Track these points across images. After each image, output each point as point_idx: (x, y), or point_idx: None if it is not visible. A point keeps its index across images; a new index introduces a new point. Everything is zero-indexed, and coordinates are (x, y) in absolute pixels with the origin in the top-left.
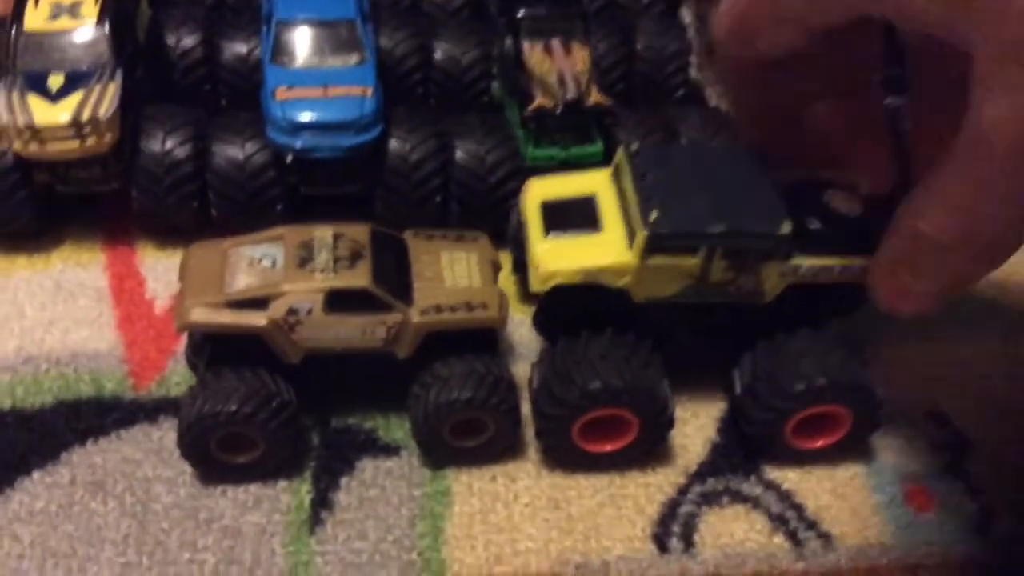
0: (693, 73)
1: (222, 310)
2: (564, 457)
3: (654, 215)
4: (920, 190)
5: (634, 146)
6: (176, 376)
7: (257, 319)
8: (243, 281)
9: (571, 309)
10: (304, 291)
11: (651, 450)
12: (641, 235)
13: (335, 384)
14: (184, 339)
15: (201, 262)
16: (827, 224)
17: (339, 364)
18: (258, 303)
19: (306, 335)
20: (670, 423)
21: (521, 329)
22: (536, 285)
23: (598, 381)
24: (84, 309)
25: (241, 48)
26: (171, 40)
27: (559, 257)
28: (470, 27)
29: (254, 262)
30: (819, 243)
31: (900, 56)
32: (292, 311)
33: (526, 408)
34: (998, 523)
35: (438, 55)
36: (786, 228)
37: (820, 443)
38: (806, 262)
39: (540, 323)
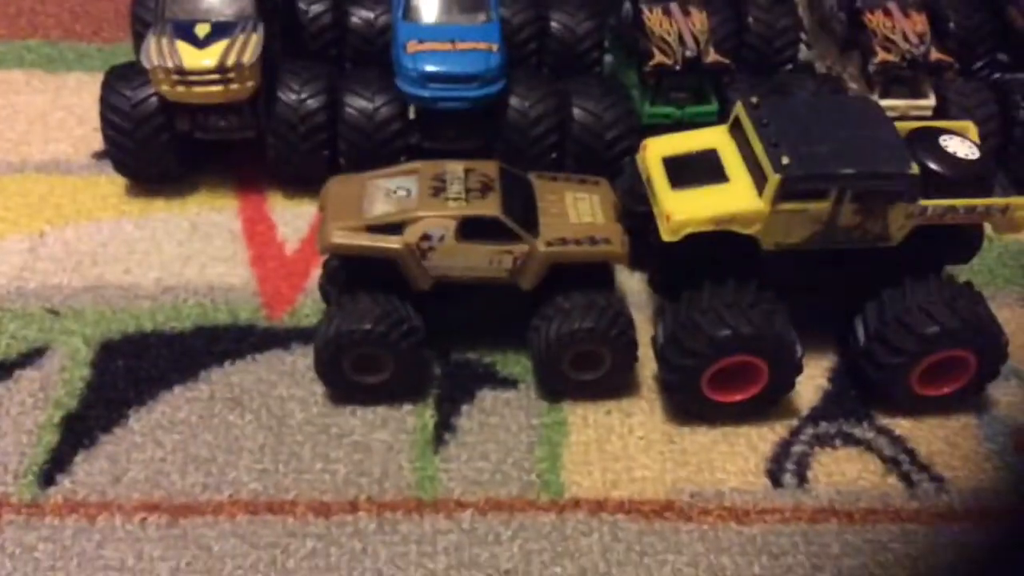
0: (803, 51)
1: (361, 234)
2: (693, 408)
3: (785, 159)
4: None
5: (754, 99)
6: (306, 309)
7: (393, 243)
8: (381, 208)
9: (695, 261)
10: (438, 218)
11: (777, 398)
12: (774, 179)
13: (454, 320)
14: (313, 278)
15: (341, 192)
16: (948, 167)
17: (460, 299)
18: (394, 228)
19: (437, 262)
20: (798, 368)
21: (629, 281)
22: (667, 235)
23: (727, 329)
24: (219, 248)
25: (369, 14)
26: (303, 4)
27: (689, 207)
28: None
29: (390, 192)
30: (942, 185)
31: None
32: (426, 236)
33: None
34: None
35: (554, 25)
36: (914, 168)
37: (946, 389)
38: (932, 203)
39: (659, 280)
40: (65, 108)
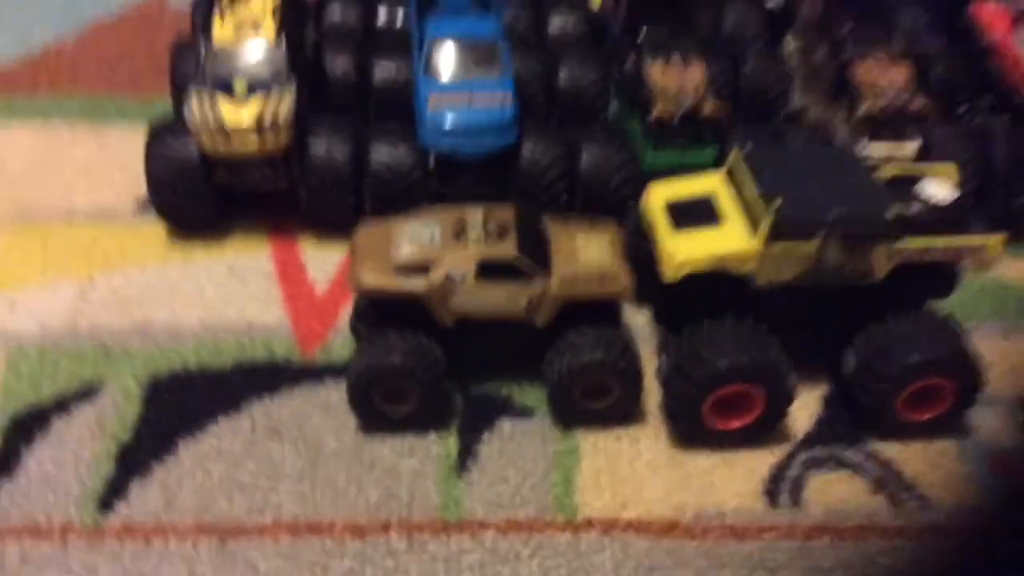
0: (795, 99)
1: (389, 275)
2: (695, 435)
3: (777, 203)
4: None
5: (747, 148)
6: (337, 346)
7: (419, 283)
8: (406, 251)
9: (696, 298)
10: (459, 260)
11: (774, 425)
12: (767, 221)
13: (475, 355)
14: (342, 316)
15: (370, 236)
16: (925, 210)
17: (480, 336)
18: (420, 270)
19: (459, 300)
20: (792, 395)
21: (635, 316)
22: (670, 274)
23: (726, 359)
24: (254, 290)
25: (391, 70)
26: (329, 63)
27: (689, 248)
28: (590, 54)
29: (415, 236)
30: (921, 226)
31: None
32: (449, 277)
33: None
34: None
35: (561, 78)
36: (893, 212)
37: (927, 415)
38: (911, 243)
39: (662, 316)
40: (108, 158)
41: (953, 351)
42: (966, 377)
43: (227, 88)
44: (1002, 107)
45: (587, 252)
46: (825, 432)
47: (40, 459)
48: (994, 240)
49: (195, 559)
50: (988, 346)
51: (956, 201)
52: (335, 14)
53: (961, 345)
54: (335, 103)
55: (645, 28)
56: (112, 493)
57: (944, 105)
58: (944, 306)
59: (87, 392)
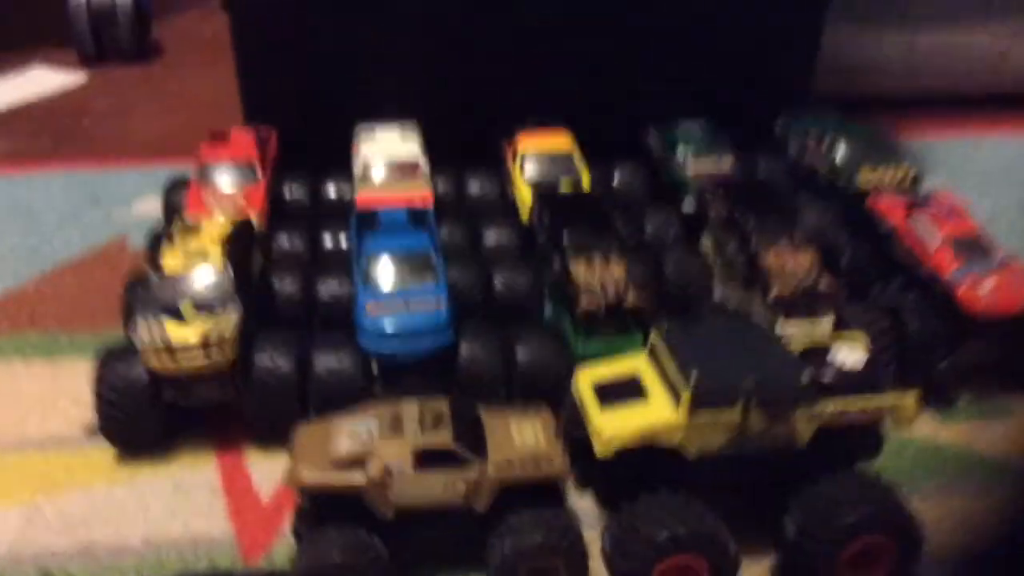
0: (717, 292)
1: (328, 471)
2: None
3: (694, 375)
4: None
5: (665, 325)
6: (281, 552)
7: (357, 477)
8: (345, 447)
9: (631, 475)
10: (396, 451)
11: None
12: (686, 393)
13: (417, 545)
14: (287, 521)
15: (309, 435)
16: (837, 375)
17: (421, 525)
18: (358, 464)
19: (398, 492)
20: (736, 562)
21: (580, 501)
22: (600, 450)
23: (664, 531)
24: (200, 503)
25: (335, 288)
26: (277, 284)
27: (617, 424)
28: (522, 262)
29: (353, 432)
30: (836, 388)
31: None
32: (387, 469)
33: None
34: None
35: (496, 285)
36: (807, 377)
37: None
38: (828, 406)
39: (603, 494)
40: (61, 390)
41: (888, 507)
42: (904, 533)
43: (174, 312)
44: (909, 285)
45: (521, 436)
46: None
47: None
48: (908, 398)
49: None
50: (930, 506)
51: (867, 364)
52: (283, 241)
53: (895, 501)
54: (282, 320)
55: (566, 232)
56: None
57: (857, 287)
58: (883, 471)
59: None
